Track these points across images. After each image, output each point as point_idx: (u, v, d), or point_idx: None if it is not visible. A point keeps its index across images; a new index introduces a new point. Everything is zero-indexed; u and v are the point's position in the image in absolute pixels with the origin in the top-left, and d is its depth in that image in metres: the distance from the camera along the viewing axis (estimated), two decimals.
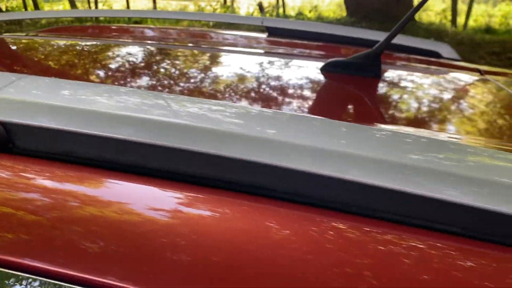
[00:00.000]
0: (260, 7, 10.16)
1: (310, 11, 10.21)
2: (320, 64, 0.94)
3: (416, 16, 8.81)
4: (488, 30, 8.08)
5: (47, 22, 6.61)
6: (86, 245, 0.36)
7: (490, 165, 0.41)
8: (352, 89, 0.89)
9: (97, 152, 0.42)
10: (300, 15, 9.90)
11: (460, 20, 9.11)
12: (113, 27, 1.59)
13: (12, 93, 0.44)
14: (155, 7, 10.89)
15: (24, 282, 0.34)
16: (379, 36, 1.14)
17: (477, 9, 10.19)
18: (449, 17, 9.31)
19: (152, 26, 1.65)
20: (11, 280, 0.34)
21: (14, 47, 1.12)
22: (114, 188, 0.43)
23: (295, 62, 1.08)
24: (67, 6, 9.58)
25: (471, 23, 9.00)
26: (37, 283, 0.34)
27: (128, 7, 10.34)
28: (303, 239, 0.37)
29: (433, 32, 7.35)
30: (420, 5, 0.91)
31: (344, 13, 9.19)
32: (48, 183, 0.42)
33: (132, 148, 0.42)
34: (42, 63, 0.95)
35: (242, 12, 10.59)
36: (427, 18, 9.62)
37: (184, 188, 0.42)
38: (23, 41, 1.20)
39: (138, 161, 0.42)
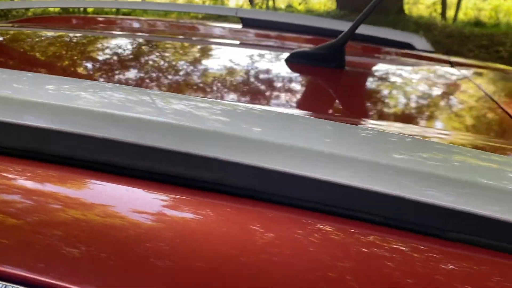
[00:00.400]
0: (250, 0, 10.12)
1: (299, 4, 10.18)
2: (284, 54, 0.93)
3: (406, 10, 8.81)
4: (477, 23, 8.11)
5: (33, 12, 6.53)
6: (67, 250, 0.35)
7: (471, 165, 0.41)
8: (313, 81, 0.89)
9: (78, 151, 0.41)
10: (289, 7, 9.87)
11: (450, 13, 9.13)
12: (94, 18, 1.57)
13: None
14: None
15: None
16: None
17: (467, 2, 10.22)
18: (439, 10, 9.33)
19: (130, 17, 1.64)
20: None
21: None
22: (97, 189, 0.41)
23: (266, 53, 1.08)
24: None
25: (460, 16, 9.03)
26: None
27: None
28: (288, 242, 0.36)
29: (423, 25, 7.35)
30: None
31: (334, 6, 9.18)
32: (27, 184, 0.41)
33: (114, 148, 0.40)
34: (20, 55, 0.94)
35: (231, 4, 10.54)
36: (417, 11, 9.64)
37: (168, 189, 0.40)
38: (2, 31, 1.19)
39: (121, 162, 0.41)
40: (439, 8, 9.50)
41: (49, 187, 0.40)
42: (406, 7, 8.92)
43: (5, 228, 0.36)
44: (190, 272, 0.34)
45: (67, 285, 0.33)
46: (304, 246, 0.36)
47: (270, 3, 10.24)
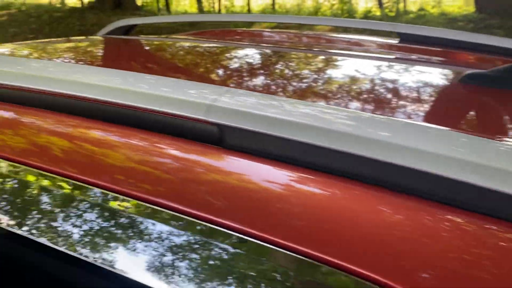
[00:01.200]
0: (379, 1, 9.89)
1: (433, 7, 9.70)
2: (456, 73, 0.96)
3: None
4: None
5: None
6: (210, 201, 0.48)
7: None
8: (492, 103, 0.90)
9: (287, 151, 0.52)
10: (421, 10, 9.45)
11: None
12: (251, 32, 1.72)
13: (225, 102, 0.56)
14: (273, 3, 11.13)
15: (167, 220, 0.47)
16: None
17: None
18: None
19: (278, 30, 1.77)
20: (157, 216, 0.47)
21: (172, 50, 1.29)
22: (233, 164, 0.53)
23: (429, 70, 1.09)
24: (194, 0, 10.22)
25: None
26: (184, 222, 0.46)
27: (248, 3, 10.73)
28: (419, 226, 0.43)
29: None
30: None
31: (472, 9, 8.59)
32: (244, 171, 0.53)
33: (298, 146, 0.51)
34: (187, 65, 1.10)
35: (360, 6, 10.40)
36: None
37: (296, 170, 0.50)
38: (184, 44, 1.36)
39: (301, 157, 0.51)
40: None
41: (194, 157, 0.54)
42: None
43: (167, 180, 0.51)
44: (314, 232, 0.43)
45: (221, 220, 0.45)
46: (434, 230, 0.42)
47: (401, 5, 9.91)
